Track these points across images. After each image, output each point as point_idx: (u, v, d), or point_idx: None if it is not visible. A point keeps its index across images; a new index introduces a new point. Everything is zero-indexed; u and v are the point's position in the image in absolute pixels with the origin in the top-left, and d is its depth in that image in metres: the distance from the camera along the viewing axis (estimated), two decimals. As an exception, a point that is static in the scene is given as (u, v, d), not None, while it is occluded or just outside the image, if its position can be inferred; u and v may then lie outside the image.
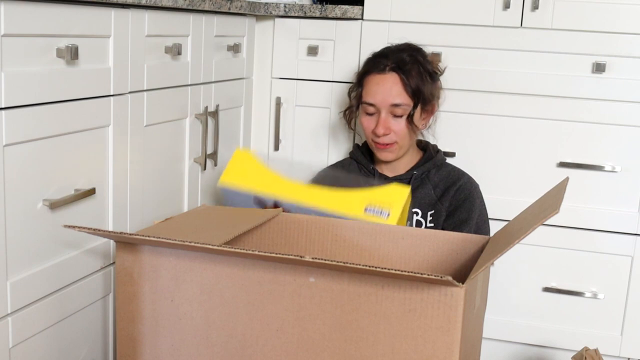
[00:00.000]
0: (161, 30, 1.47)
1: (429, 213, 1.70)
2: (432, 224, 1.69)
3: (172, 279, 1.15)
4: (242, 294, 1.11)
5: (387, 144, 1.70)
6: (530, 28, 1.78)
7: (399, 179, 1.73)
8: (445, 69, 1.80)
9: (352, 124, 1.83)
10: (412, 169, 1.75)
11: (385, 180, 1.74)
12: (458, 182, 1.72)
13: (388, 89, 1.68)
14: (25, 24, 1.11)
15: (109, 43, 1.31)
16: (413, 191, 1.70)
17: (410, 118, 1.69)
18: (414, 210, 1.70)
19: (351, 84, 1.82)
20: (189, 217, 1.43)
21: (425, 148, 1.80)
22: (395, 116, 1.69)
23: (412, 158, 1.77)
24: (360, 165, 1.80)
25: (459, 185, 1.71)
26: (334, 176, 1.78)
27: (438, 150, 1.79)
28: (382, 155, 1.73)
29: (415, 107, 1.69)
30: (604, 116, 1.77)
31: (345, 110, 1.83)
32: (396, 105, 1.68)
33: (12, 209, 1.12)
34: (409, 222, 1.68)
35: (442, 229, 1.67)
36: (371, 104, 1.70)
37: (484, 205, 1.74)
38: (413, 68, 1.69)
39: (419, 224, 1.69)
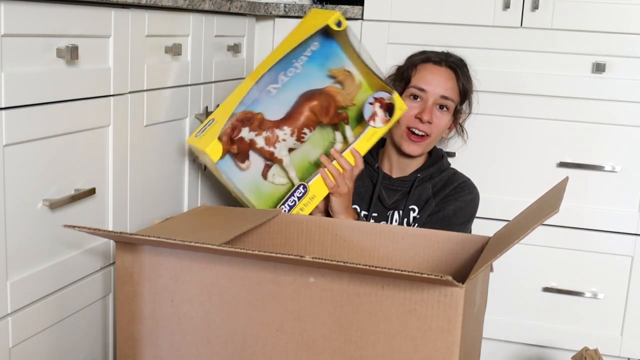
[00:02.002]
0: (161, 30, 1.47)
1: (422, 209, 1.70)
2: (418, 215, 1.69)
3: (172, 279, 1.15)
4: (242, 294, 1.11)
5: (422, 136, 1.69)
6: (530, 28, 1.78)
7: (402, 181, 1.73)
8: (469, 114, 1.82)
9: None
10: (417, 171, 1.74)
11: (388, 181, 1.74)
12: (456, 183, 1.72)
13: (443, 80, 1.70)
14: (25, 24, 1.11)
15: (109, 43, 1.31)
16: (413, 190, 1.70)
17: (453, 115, 1.72)
18: (411, 207, 1.69)
19: (397, 68, 1.80)
20: (189, 217, 1.43)
21: (431, 152, 1.79)
22: (440, 108, 1.70)
23: (419, 161, 1.76)
24: (365, 164, 1.79)
25: (456, 185, 1.71)
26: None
27: (443, 155, 1.78)
28: (410, 147, 1.69)
29: (460, 104, 1.72)
30: (604, 116, 1.77)
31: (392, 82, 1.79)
32: (445, 98, 1.69)
33: (12, 209, 1.12)
34: (405, 218, 1.68)
35: (428, 215, 1.68)
36: (422, 89, 1.69)
37: (472, 208, 1.71)
38: (465, 72, 1.74)
39: (416, 220, 1.69)
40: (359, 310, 1.06)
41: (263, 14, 1.87)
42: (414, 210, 1.70)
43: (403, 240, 1.42)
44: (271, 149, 1.53)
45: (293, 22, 1.93)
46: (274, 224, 1.47)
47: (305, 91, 1.55)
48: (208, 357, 1.15)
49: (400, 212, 1.69)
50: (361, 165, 1.61)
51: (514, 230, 1.15)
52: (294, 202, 1.56)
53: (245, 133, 1.50)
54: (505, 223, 1.34)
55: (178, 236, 1.14)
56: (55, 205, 1.20)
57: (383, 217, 1.71)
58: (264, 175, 1.56)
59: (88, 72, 1.26)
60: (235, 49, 1.80)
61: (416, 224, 1.68)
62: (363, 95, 1.60)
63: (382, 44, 1.87)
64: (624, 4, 1.72)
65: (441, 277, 0.96)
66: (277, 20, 1.94)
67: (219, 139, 1.46)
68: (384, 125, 1.59)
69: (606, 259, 1.82)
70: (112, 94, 1.33)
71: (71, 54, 1.18)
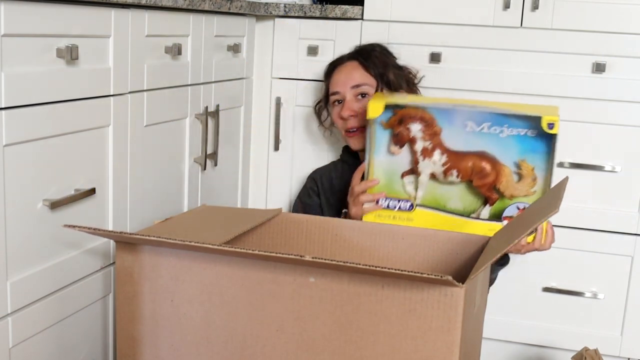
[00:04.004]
0: (161, 30, 1.47)
1: None
2: None
3: (172, 279, 1.15)
4: (242, 294, 1.11)
5: (356, 130, 1.71)
6: (530, 28, 1.78)
7: None
8: (422, 78, 1.81)
9: (325, 121, 1.85)
10: None
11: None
12: None
13: (348, 73, 1.73)
14: (25, 24, 1.11)
15: (109, 43, 1.31)
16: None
17: (383, 92, 1.71)
18: None
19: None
20: (189, 217, 1.43)
21: None
22: (361, 98, 1.71)
23: None
24: (347, 165, 1.80)
25: None
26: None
27: None
28: (353, 143, 1.74)
29: (380, 87, 1.71)
30: (604, 116, 1.77)
31: (315, 106, 1.87)
32: (357, 86, 1.71)
33: (12, 209, 1.12)
34: None
35: None
36: (336, 92, 1.74)
37: None
38: (372, 54, 1.74)
39: None
40: (359, 310, 1.06)
41: (263, 14, 1.87)
42: None
43: (403, 240, 1.42)
44: (421, 158, 1.54)
45: (293, 22, 1.93)
46: (274, 224, 1.47)
47: (487, 151, 1.53)
48: (208, 357, 1.15)
49: None
50: (547, 246, 1.60)
51: (514, 230, 1.15)
52: (394, 206, 1.57)
53: (415, 129, 1.52)
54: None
55: (178, 236, 1.14)
56: (55, 205, 1.20)
57: None
58: (402, 175, 1.56)
59: (88, 72, 1.26)
60: (235, 49, 1.80)
61: None
62: (524, 199, 1.54)
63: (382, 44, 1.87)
64: (624, 4, 1.72)
65: (441, 277, 0.96)
66: (277, 20, 1.94)
67: (394, 112, 1.50)
68: None
69: (606, 259, 1.82)
70: (112, 94, 1.33)
71: (71, 54, 1.18)
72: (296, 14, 1.90)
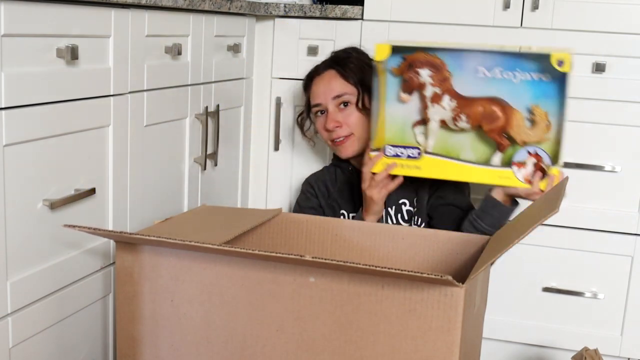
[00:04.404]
0: (161, 30, 1.47)
1: (415, 200, 1.68)
2: (414, 208, 1.67)
3: (172, 279, 1.15)
4: (242, 294, 1.11)
5: (343, 139, 1.69)
6: (530, 28, 1.78)
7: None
8: None
9: (308, 131, 1.84)
10: None
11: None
12: None
13: (327, 83, 1.71)
14: (25, 24, 1.11)
15: (109, 43, 1.31)
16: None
17: (361, 106, 1.68)
18: (401, 201, 1.68)
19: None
20: (189, 217, 1.43)
21: None
22: (344, 107, 1.69)
23: None
24: (339, 169, 1.79)
25: None
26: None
27: None
28: (341, 152, 1.71)
29: (361, 94, 1.69)
30: (604, 116, 1.77)
31: (298, 117, 1.86)
32: (338, 97, 1.69)
33: (12, 209, 1.12)
34: (399, 214, 1.67)
35: (429, 206, 1.66)
36: (317, 104, 1.72)
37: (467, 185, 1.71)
38: (349, 61, 1.73)
39: (409, 214, 1.68)
40: (359, 310, 1.06)
41: (263, 14, 1.87)
42: (405, 204, 1.69)
43: (403, 240, 1.42)
44: (430, 104, 1.51)
45: (293, 22, 1.93)
46: (274, 224, 1.47)
47: (500, 97, 1.50)
48: (208, 357, 1.15)
49: (394, 207, 1.68)
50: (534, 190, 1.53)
51: (514, 230, 1.15)
52: (400, 154, 1.55)
53: (425, 74, 1.50)
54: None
55: (178, 236, 1.14)
56: (55, 205, 1.20)
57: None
58: (413, 125, 1.54)
59: (88, 72, 1.26)
60: (235, 49, 1.80)
61: (416, 217, 1.66)
62: (534, 146, 1.50)
63: (382, 44, 1.87)
64: (624, 4, 1.72)
65: (441, 277, 0.96)
66: (277, 20, 1.94)
67: (404, 57, 1.49)
68: (522, 181, 1.51)
69: (606, 259, 1.82)
70: (112, 94, 1.33)
71: (71, 54, 1.18)
72: (296, 14, 1.90)
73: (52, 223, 1.22)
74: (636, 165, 1.78)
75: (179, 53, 1.51)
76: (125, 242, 1.17)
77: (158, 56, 1.48)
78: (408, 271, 0.98)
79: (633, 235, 1.79)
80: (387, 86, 1.52)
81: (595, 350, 1.50)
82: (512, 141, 1.50)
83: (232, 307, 1.12)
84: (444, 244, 1.40)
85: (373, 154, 1.57)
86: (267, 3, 1.87)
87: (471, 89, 1.50)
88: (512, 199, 1.55)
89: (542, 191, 1.50)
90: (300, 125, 1.85)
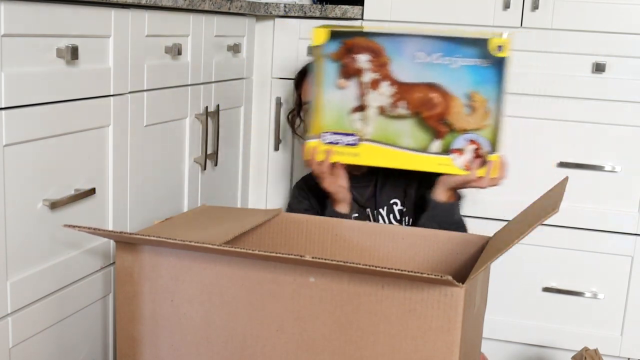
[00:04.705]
0: (161, 30, 1.47)
1: (404, 198, 1.67)
2: (403, 207, 1.66)
3: (172, 279, 1.15)
4: (242, 294, 1.11)
5: None
6: (530, 28, 1.78)
7: (365, 176, 1.68)
8: None
9: (298, 128, 1.82)
10: None
11: (354, 180, 1.66)
12: None
13: None
14: (25, 24, 1.11)
15: (109, 43, 1.31)
16: (385, 183, 1.67)
17: None
18: (392, 201, 1.67)
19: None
20: (189, 217, 1.43)
21: None
22: None
23: None
24: None
25: None
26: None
27: None
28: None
29: None
30: (604, 116, 1.77)
31: (288, 115, 1.84)
32: None
33: (12, 209, 1.12)
34: (390, 214, 1.67)
35: (416, 208, 1.65)
36: (308, 102, 1.67)
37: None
38: None
39: (401, 213, 1.67)
40: (359, 310, 1.06)
41: (263, 14, 1.87)
42: (396, 204, 1.68)
43: (403, 240, 1.42)
44: (367, 91, 1.51)
45: (293, 22, 1.93)
46: (274, 224, 1.47)
47: (438, 83, 1.48)
48: (208, 357, 1.15)
49: (385, 207, 1.68)
50: (498, 182, 1.54)
51: (514, 230, 1.15)
52: (338, 141, 1.54)
53: (363, 59, 1.49)
54: (505, 223, 1.34)
55: (178, 236, 1.14)
56: (55, 205, 1.20)
57: (365, 216, 1.68)
58: (351, 111, 1.53)
59: (88, 72, 1.26)
60: (235, 49, 1.80)
61: (407, 217, 1.66)
62: (473, 132, 1.50)
63: (382, 44, 1.87)
64: (624, 4, 1.72)
65: (441, 277, 0.96)
66: (277, 20, 1.94)
67: (342, 42, 1.47)
68: (461, 168, 1.51)
69: (606, 259, 1.82)
70: (112, 94, 1.33)
71: (71, 54, 1.18)
72: (296, 14, 1.90)
73: (52, 223, 1.22)
74: (636, 165, 1.78)
75: (179, 53, 1.51)
76: (125, 242, 1.17)
77: (158, 56, 1.48)
78: (408, 271, 0.98)
79: (633, 235, 1.79)
80: (325, 72, 1.51)
81: (595, 350, 1.50)
82: (451, 128, 1.49)
83: (232, 307, 1.12)
84: (444, 244, 1.40)
85: (311, 141, 1.55)
86: (267, 3, 1.87)
87: (410, 75, 1.49)
88: (456, 193, 1.55)
89: (480, 178, 1.50)
90: (291, 123, 1.84)
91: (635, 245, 1.79)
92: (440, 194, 1.55)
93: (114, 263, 1.38)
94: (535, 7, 1.76)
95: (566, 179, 1.40)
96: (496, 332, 1.87)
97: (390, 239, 1.43)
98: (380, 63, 1.48)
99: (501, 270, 1.81)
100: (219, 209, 1.54)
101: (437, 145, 1.50)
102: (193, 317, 1.15)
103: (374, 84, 1.50)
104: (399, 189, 1.68)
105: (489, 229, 1.44)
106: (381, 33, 1.48)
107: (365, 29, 1.51)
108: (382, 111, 1.52)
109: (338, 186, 1.58)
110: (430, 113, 1.49)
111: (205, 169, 1.70)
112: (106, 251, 1.37)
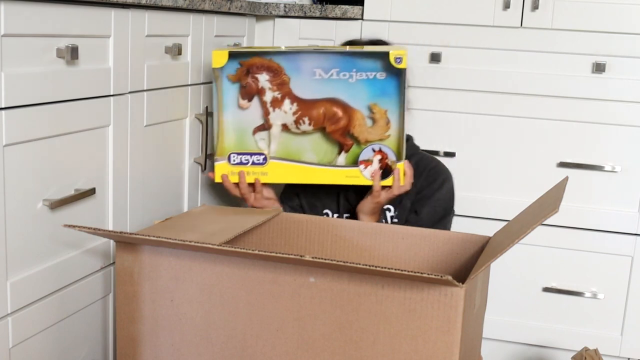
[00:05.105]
0: (161, 30, 1.47)
1: (399, 207, 1.66)
2: (396, 220, 1.65)
3: (172, 279, 1.15)
4: (242, 294, 1.11)
5: None
6: (530, 28, 1.78)
7: None
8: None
9: None
10: None
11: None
12: (425, 172, 1.66)
13: None
14: (25, 24, 1.11)
15: (109, 43, 1.31)
16: (382, 188, 1.64)
17: None
18: (385, 207, 1.66)
19: None
20: (189, 217, 1.43)
21: None
22: None
23: None
24: None
25: (425, 175, 1.66)
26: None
27: (409, 139, 1.71)
28: None
29: None
30: (604, 116, 1.77)
31: None
32: None
33: (12, 209, 1.12)
34: (383, 220, 1.65)
35: (405, 222, 1.65)
36: None
37: (449, 199, 1.67)
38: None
39: (392, 220, 1.65)
40: (359, 310, 1.06)
41: (263, 14, 1.87)
42: (389, 210, 1.67)
43: (403, 240, 1.42)
44: (271, 109, 1.53)
45: (293, 22, 1.93)
46: (274, 224, 1.47)
47: (338, 97, 1.52)
48: (208, 357, 1.15)
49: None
50: (407, 187, 1.58)
51: (514, 230, 1.15)
52: (246, 161, 1.56)
53: (263, 79, 1.51)
54: (505, 223, 1.34)
55: (178, 236, 1.14)
56: (55, 205, 1.20)
57: (356, 218, 1.67)
58: (254, 132, 1.55)
59: (88, 72, 1.26)
60: (235, 49, 1.80)
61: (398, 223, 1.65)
62: (377, 143, 1.54)
63: (382, 44, 1.87)
64: (624, 4, 1.72)
65: (441, 277, 0.96)
66: (277, 20, 1.94)
67: (240, 64, 1.49)
68: (369, 179, 1.55)
69: (606, 259, 1.82)
70: (112, 94, 1.33)
71: (71, 54, 1.18)
72: (296, 14, 1.90)
73: (52, 223, 1.22)
74: (636, 165, 1.78)
75: (179, 53, 1.51)
76: (125, 242, 1.17)
77: (158, 56, 1.48)
78: (408, 271, 0.98)
79: (633, 235, 1.79)
80: (224, 93, 1.52)
81: (595, 350, 1.50)
82: (356, 140, 1.53)
83: (232, 307, 1.12)
84: (444, 244, 1.39)
85: (218, 163, 1.56)
86: (267, 3, 1.87)
87: (310, 92, 1.52)
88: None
89: (384, 187, 1.55)
90: None
91: (635, 245, 1.79)
92: (366, 217, 1.59)
93: (114, 263, 1.38)
94: (535, 7, 1.76)
95: (566, 179, 1.40)
96: (496, 332, 1.87)
97: (390, 239, 1.43)
98: (280, 82, 1.51)
99: (501, 270, 1.81)
100: (219, 209, 1.54)
101: (343, 158, 1.55)
102: (193, 317, 1.15)
103: (276, 103, 1.52)
104: (395, 197, 1.66)
105: (489, 229, 1.44)
106: (278, 52, 1.51)
107: (263, 49, 1.53)
108: (286, 129, 1.54)
109: (265, 200, 1.59)
110: (334, 127, 1.53)
111: (205, 169, 1.70)
112: (106, 251, 1.37)
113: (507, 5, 1.78)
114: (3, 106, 1.07)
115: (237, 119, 1.54)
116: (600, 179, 1.80)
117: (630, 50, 1.73)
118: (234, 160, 1.56)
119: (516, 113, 1.82)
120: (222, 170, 1.56)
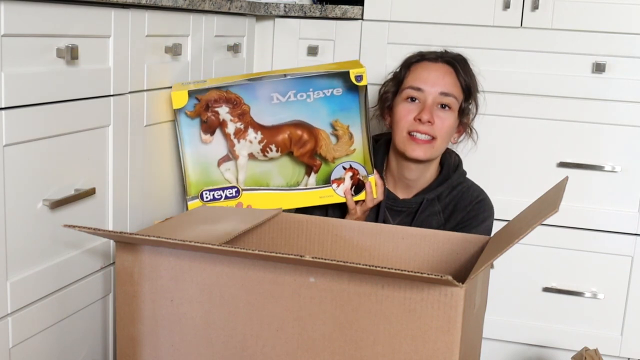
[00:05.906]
0: (161, 30, 1.47)
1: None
2: None
3: (172, 279, 1.15)
4: (242, 294, 1.11)
5: (428, 139, 1.56)
6: (530, 28, 1.78)
7: (407, 204, 1.63)
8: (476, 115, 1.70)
9: (388, 121, 1.67)
10: (424, 191, 1.62)
11: (393, 201, 1.63)
12: (469, 205, 1.60)
13: (441, 76, 1.58)
14: (25, 24, 1.11)
15: (109, 43, 1.31)
16: (419, 214, 1.61)
17: (459, 114, 1.59)
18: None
19: (390, 75, 1.70)
20: (189, 217, 1.43)
21: (442, 164, 1.66)
22: (441, 108, 1.57)
23: (428, 177, 1.64)
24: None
25: (469, 209, 1.60)
26: None
27: (458, 166, 1.66)
28: (415, 152, 1.55)
29: (465, 102, 1.59)
30: (604, 116, 1.77)
31: (381, 89, 1.68)
32: (446, 95, 1.56)
33: (12, 209, 1.12)
34: None
35: None
36: (418, 89, 1.57)
37: (486, 233, 1.59)
38: (466, 67, 1.63)
39: None
40: (359, 310, 1.06)
41: (263, 14, 1.87)
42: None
43: (403, 240, 1.42)
44: (235, 141, 1.53)
45: (293, 22, 1.93)
46: (274, 224, 1.47)
47: (300, 120, 1.53)
48: (208, 357, 1.15)
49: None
50: (380, 197, 1.60)
51: (514, 230, 1.15)
52: (219, 197, 1.56)
53: (223, 112, 1.51)
54: (505, 223, 1.34)
55: (178, 236, 1.14)
56: (55, 205, 1.20)
57: None
58: (219, 164, 1.55)
59: (88, 72, 1.26)
60: (235, 49, 1.80)
61: None
62: (346, 159, 1.56)
63: (382, 44, 1.87)
64: (624, 4, 1.72)
65: (441, 277, 0.96)
66: (277, 20, 1.94)
67: (197, 99, 1.49)
68: (342, 196, 1.58)
69: (606, 259, 1.82)
70: (112, 94, 1.33)
71: (71, 54, 1.18)
72: (296, 14, 1.90)
73: (52, 223, 1.22)
74: (636, 165, 1.78)
75: (179, 53, 1.51)
76: (125, 242, 1.17)
77: (158, 56, 1.48)
78: (408, 271, 0.98)
79: (633, 235, 1.79)
80: (183, 130, 1.53)
81: (595, 350, 1.50)
82: (323, 160, 1.55)
83: (232, 307, 1.12)
84: (444, 244, 1.39)
85: (193, 202, 1.56)
86: (267, 3, 1.87)
87: (271, 117, 1.53)
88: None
89: (357, 202, 1.57)
90: (383, 100, 1.66)
91: (635, 245, 1.79)
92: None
93: (114, 263, 1.38)
94: (535, 7, 1.76)
95: (566, 179, 1.40)
96: (496, 332, 1.87)
97: (390, 239, 1.43)
98: (240, 112, 1.52)
99: (501, 270, 1.81)
100: (219, 209, 1.54)
101: (313, 178, 1.56)
102: (193, 317, 1.15)
103: (240, 134, 1.53)
104: (432, 225, 1.61)
105: (489, 229, 1.44)
106: (234, 84, 1.51)
107: (217, 83, 1.53)
108: (253, 157, 1.55)
109: None
110: (302, 151, 1.55)
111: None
112: (106, 251, 1.37)
113: (507, 5, 1.78)
114: (3, 106, 1.07)
115: (201, 153, 1.55)
116: (600, 179, 1.80)
117: (630, 50, 1.73)
118: (207, 197, 1.57)
119: (516, 113, 1.82)
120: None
